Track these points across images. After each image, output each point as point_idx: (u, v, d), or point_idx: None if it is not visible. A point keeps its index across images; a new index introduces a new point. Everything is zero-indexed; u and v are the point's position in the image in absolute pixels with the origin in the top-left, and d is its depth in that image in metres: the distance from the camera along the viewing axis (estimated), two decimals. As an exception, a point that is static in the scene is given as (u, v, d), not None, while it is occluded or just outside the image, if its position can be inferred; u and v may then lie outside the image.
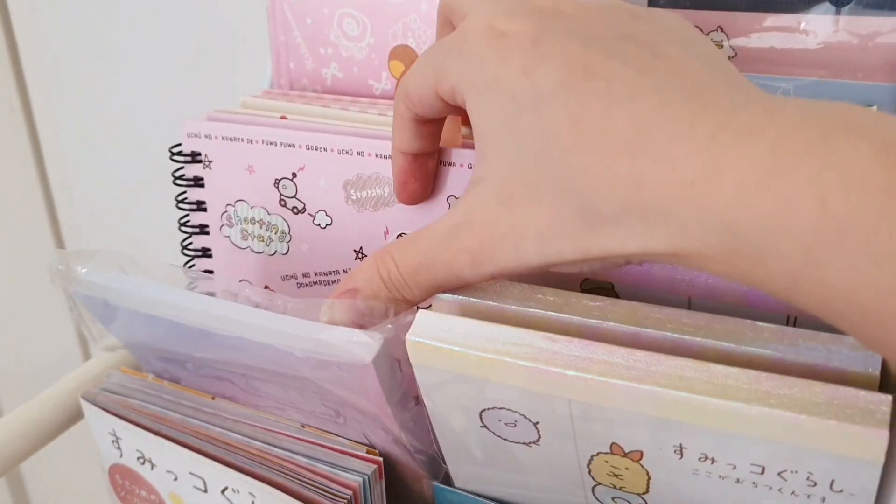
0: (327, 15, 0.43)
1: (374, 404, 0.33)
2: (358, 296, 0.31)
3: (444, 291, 0.31)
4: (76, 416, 0.43)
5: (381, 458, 0.37)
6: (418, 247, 0.30)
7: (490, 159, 0.28)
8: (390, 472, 0.38)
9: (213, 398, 0.41)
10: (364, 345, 0.30)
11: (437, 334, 0.29)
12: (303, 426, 0.39)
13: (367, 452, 0.37)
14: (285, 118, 0.40)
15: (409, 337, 0.29)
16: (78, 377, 0.43)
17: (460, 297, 0.31)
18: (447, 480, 0.38)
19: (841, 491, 0.27)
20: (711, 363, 0.27)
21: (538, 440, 0.31)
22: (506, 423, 0.31)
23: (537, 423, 0.30)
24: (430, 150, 0.34)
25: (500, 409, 0.30)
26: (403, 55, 0.41)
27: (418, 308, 0.30)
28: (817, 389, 0.26)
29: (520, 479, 0.35)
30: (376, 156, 0.37)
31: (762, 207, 0.22)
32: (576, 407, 0.28)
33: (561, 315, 0.30)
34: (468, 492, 0.37)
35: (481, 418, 0.31)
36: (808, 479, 0.27)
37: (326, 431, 0.38)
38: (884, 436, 0.24)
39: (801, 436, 0.26)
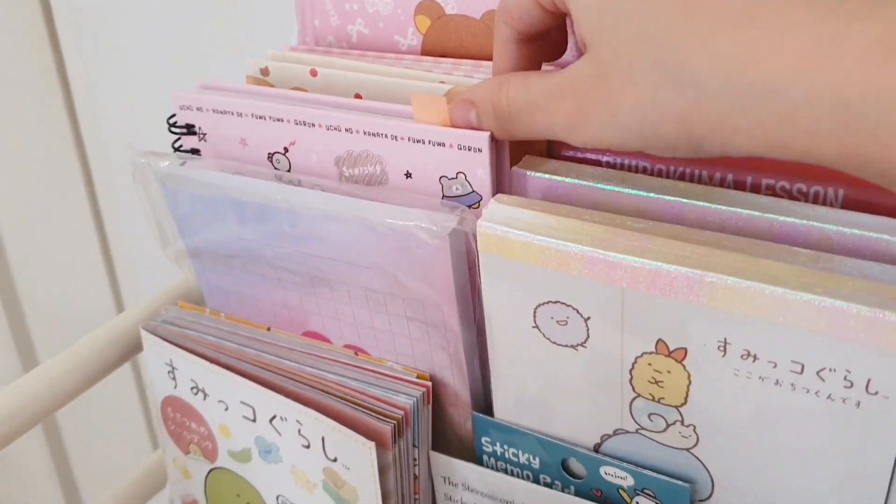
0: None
1: (439, 291, 0.35)
2: (473, 110, 0.33)
3: (539, 138, 0.32)
4: (135, 348, 0.44)
5: (430, 383, 0.39)
6: (530, 88, 0.30)
7: (592, 43, 0.28)
8: (437, 398, 0.40)
9: (268, 329, 0.42)
10: (444, 220, 0.33)
11: (505, 221, 0.31)
12: (356, 353, 0.40)
13: (418, 377, 0.39)
14: (315, 73, 0.41)
15: (479, 223, 0.31)
16: (136, 313, 0.45)
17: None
18: (488, 412, 0.39)
19: (876, 393, 0.28)
20: (762, 258, 0.28)
21: (586, 341, 0.33)
22: (557, 321, 0.33)
23: (588, 318, 0.32)
24: None
25: (555, 302, 0.32)
26: (430, 9, 0.42)
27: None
28: (863, 283, 0.27)
29: (559, 406, 0.36)
30: (365, 133, 0.36)
31: (883, 81, 0.21)
32: (629, 296, 0.30)
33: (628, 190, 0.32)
34: (506, 422, 0.38)
35: (535, 316, 0.33)
36: (845, 378, 0.29)
37: (379, 359, 0.40)
38: None
39: (842, 326, 0.27)
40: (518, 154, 0.37)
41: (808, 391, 0.30)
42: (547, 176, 0.35)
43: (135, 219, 0.78)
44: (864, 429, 0.29)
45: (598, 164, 0.37)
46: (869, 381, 0.28)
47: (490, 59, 0.38)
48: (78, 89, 0.84)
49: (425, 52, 0.43)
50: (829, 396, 0.29)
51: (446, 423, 0.41)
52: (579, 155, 0.38)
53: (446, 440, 0.41)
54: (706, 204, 0.32)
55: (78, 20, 0.78)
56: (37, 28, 0.82)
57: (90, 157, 0.88)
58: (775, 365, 0.30)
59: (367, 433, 0.36)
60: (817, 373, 0.29)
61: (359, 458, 0.37)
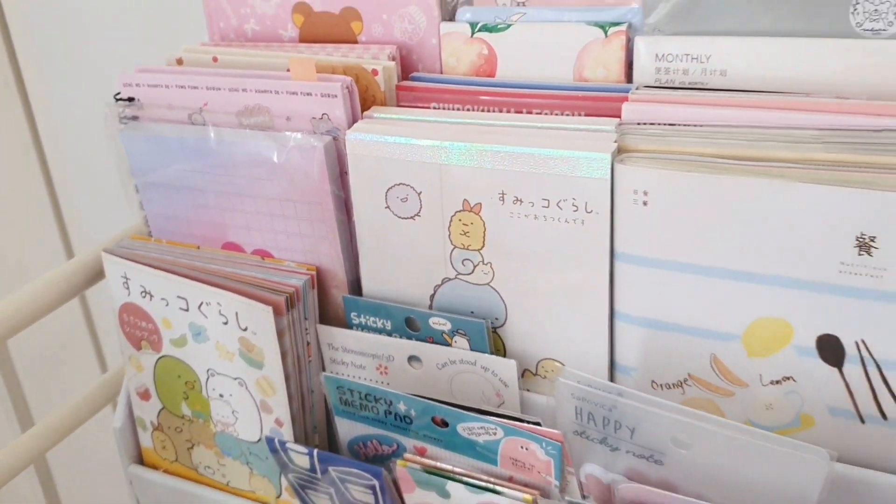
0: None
1: (320, 192, 0.51)
2: None
3: None
4: (99, 274, 0.59)
5: (315, 272, 0.54)
6: None
7: None
8: (323, 284, 0.55)
9: (198, 248, 0.57)
10: (321, 138, 0.49)
11: (364, 131, 0.48)
12: (263, 258, 0.56)
13: (307, 269, 0.54)
14: (216, 59, 0.57)
15: (349, 133, 0.48)
16: (98, 247, 0.59)
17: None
18: (360, 292, 0.55)
19: (591, 211, 0.45)
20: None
21: (420, 211, 0.49)
22: (401, 199, 0.49)
23: (420, 192, 0.48)
24: None
25: (399, 185, 0.48)
26: (302, 9, 0.58)
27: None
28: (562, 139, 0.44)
29: (404, 268, 0.52)
30: (256, 91, 0.52)
31: None
32: (443, 171, 0.46)
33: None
34: (365, 299, 0.54)
35: (386, 198, 0.49)
36: (573, 205, 0.45)
37: (280, 259, 0.55)
38: (607, 157, 0.42)
39: (559, 166, 0.44)
40: (367, 105, 0.53)
41: (555, 220, 0.46)
42: (386, 116, 0.51)
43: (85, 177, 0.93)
44: (588, 237, 0.45)
45: (426, 108, 0.53)
46: (586, 203, 0.45)
47: (345, 41, 0.54)
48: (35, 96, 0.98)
49: (302, 40, 0.59)
50: (566, 221, 0.46)
51: (331, 305, 0.56)
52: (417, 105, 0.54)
53: (330, 319, 0.57)
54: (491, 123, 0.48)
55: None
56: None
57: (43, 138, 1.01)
58: (533, 204, 0.46)
59: (267, 303, 0.52)
60: (557, 204, 0.45)
61: (262, 324, 0.52)
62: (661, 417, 0.41)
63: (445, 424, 0.48)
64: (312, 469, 0.52)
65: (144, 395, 0.61)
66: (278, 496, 0.59)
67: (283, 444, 0.52)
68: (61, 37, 0.93)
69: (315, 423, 0.58)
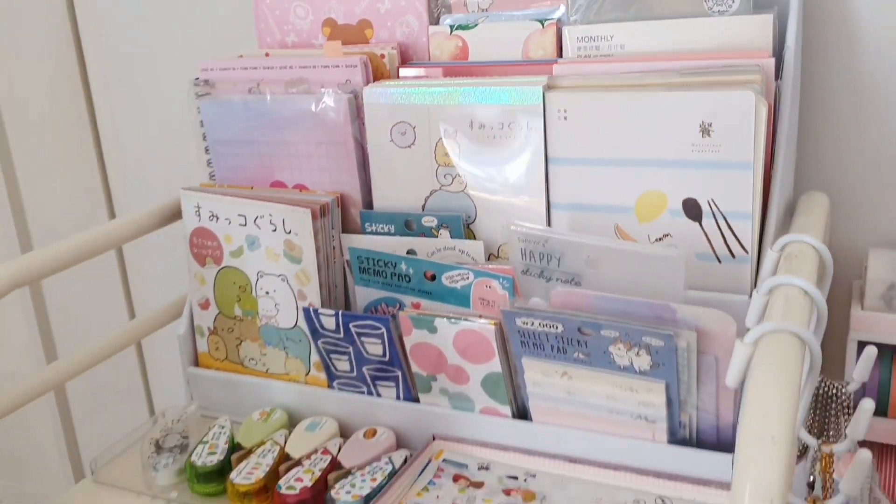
0: (286, 6, 0.84)
1: (344, 135, 0.72)
2: None
3: None
4: (172, 216, 0.80)
5: (339, 196, 0.75)
6: None
7: None
8: (346, 207, 0.76)
9: (251, 188, 0.78)
10: (345, 96, 0.70)
11: (377, 88, 0.69)
12: (301, 190, 0.77)
13: (333, 194, 0.75)
14: (268, 55, 0.80)
15: (365, 89, 0.69)
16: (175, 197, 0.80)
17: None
18: (370, 207, 0.76)
19: (531, 128, 0.67)
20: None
21: (414, 141, 0.70)
22: (400, 133, 0.70)
23: (415, 126, 0.69)
24: None
25: (400, 122, 0.70)
26: (329, 23, 0.82)
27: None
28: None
29: (402, 185, 0.73)
30: (300, 67, 0.76)
31: None
32: (431, 110, 0.68)
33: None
34: (376, 211, 0.75)
35: (391, 133, 0.70)
36: (519, 125, 0.67)
37: (314, 191, 0.76)
38: (539, 89, 0.64)
39: (510, 98, 0.65)
40: (378, 76, 0.76)
41: (506, 137, 0.67)
42: (391, 82, 0.73)
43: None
44: (530, 147, 0.67)
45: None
46: (528, 123, 0.66)
47: (361, 44, 0.78)
48: (105, 129, 1.21)
49: (331, 38, 0.82)
50: (514, 137, 0.67)
51: (350, 224, 0.77)
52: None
53: (350, 233, 0.77)
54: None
55: (106, 63, 1.16)
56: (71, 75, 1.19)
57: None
58: (492, 128, 0.67)
59: (306, 208, 0.72)
60: (508, 125, 0.67)
61: (302, 225, 0.73)
62: (577, 245, 0.62)
63: (434, 278, 0.68)
64: (337, 329, 0.71)
65: (204, 305, 0.81)
66: (307, 373, 0.78)
67: (316, 311, 0.71)
68: (131, 51, 1.16)
69: (337, 308, 0.77)
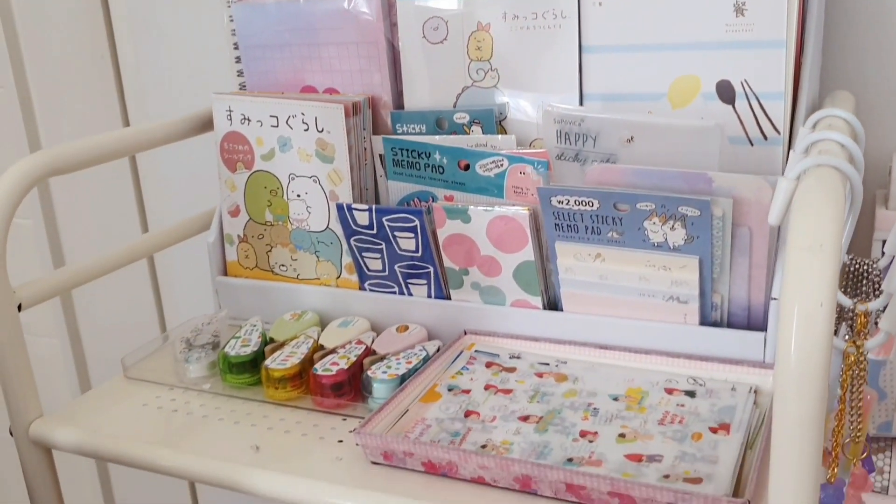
0: None
1: (376, 36, 0.72)
2: None
3: None
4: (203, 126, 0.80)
5: (370, 96, 0.76)
6: None
7: None
8: (374, 109, 0.77)
9: (282, 93, 0.79)
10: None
11: None
12: (331, 94, 0.77)
13: (365, 97, 0.76)
14: None
15: None
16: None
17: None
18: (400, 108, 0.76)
19: (565, 17, 0.67)
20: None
21: (447, 36, 0.71)
22: (432, 29, 0.71)
23: (447, 21, 0.70)
24: None
25: (431, 18, 0.70)
26: None
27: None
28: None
29: (433, 80, 0.74)
30: None
31: None
32: (465, 3, 0.69)
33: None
34: (406, 111, 0.75)
35: (423, 30, 0.71)
36: (552, 14, 0.67)
37: (345, 94, 0.77)
38: None
39: None
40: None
41: (540, 27, 0.68)
42: None
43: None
44: (564, 36, 0.67)
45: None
46: (562, 11, 0.67)
47: None
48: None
49: None
50: (548, 27, 0.68)
51: (380, 128, 0.78)
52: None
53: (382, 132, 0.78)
54: None
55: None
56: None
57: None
58: (525, 18, 0.68)
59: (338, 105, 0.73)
60: (542, 15, 0.68)
61: (335, 122, 0.73)
62: (613, 122, 0.62)
63: (468, 168, 0.69)
64: (370, 225, 0.72)
65: (234, 212, 0.82)
66: (339, 276, 0.78)
67: (349, 206, 0.72)
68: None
69: (367, 216, 0.78)
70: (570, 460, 0.55)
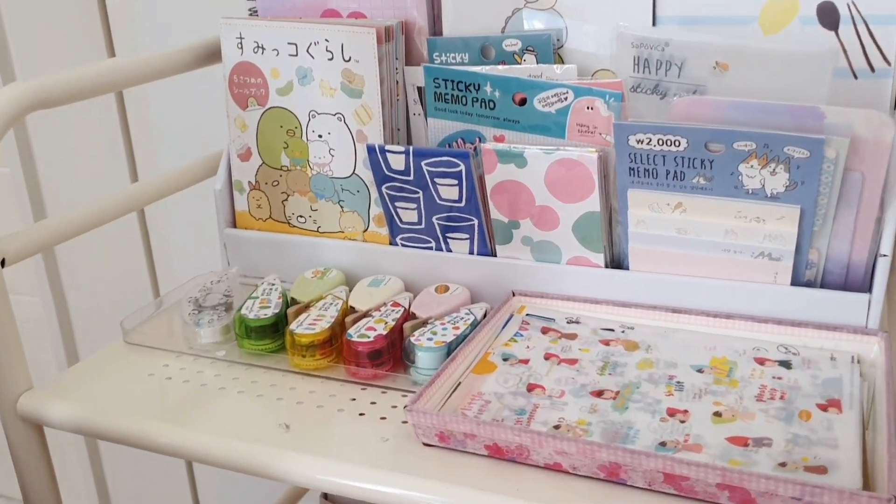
0: None
1: None
2: None
3: None
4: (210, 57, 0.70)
5: (403, 21, 0.66)
6: None
7: None
8: (409, 34, 0.67)
9: (300, 19, 0.69)
10: None
11: None
12: (356, 17, 0.67)
13: (396, 20, 0.66)
14: None
15: None
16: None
17: None
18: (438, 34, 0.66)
19: None
20: None
21: None
22: None
23: None
24: None
25: None
26: None
27: None
28: None
29: (479, 9, 0.64)
30: None
31: None
32: None
33: None
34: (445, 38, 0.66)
35: None
36: None
37: (372, 19, 0.67)
38: None
39: None
40: None
41: None
42: None
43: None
44: None
45: None
46: None
47: None
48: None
49: None
50: None
51: (414, 57, 0.68)
52: None
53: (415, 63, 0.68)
54: None
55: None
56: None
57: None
58: None
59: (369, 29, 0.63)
60: None
61: (365, 50, 0.63)
62: (704, 46, 0.53)
63: (524, 102, 0.59)
64: (406, 171, 0.62)
65: (245, 156, 0.72)
66: (366, 229, 0.69)
67: (382, 148, 0.63)
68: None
69: (398, 160, 0.68)
70: (662, 444, 0.47)
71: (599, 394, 0.52)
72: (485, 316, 0.61)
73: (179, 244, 1.12)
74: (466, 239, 0.65)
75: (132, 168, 1.13)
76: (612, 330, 0.59)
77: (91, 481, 1.33)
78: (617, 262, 0.63)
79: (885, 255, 0.53)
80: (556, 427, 0.49)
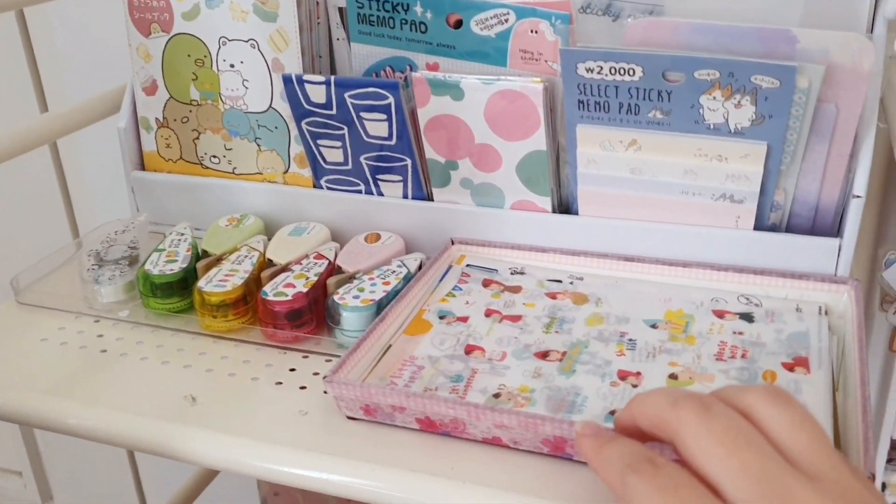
0: None
1: None
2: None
3: None
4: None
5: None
6: None
7: None
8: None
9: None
10: None
11: None
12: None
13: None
14: None
15: None
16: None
17: None
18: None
19: None
20: None
21: None
22: None
23: None
24: None
25: None
26: None
27: None
28: None
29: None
30: None
31: None
32: None
33: None
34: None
35: None
36: None
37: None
38: None
39: None
40: None
41: None
42: None
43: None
44: None
45: None
46: None
47: None
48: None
49: None
50: None
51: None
52: None
53: (337, -10, 0.60)
54: None
55: None
56: None
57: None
58: None
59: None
60: None
61: (278, -34, 0.55)
62: (662, -41, 0.47)
63: (459, 24, 0.52)
64: (328, 104, 0.55)
65: (150, 89, 0.64)
66: (286, 171, 0.62)
67: (299, 77, 0.55)
68: None
69: (322, 93, 0.61)
70: (612, 413, 0.42)
71: (544, 355, 0.46)
72: (420, 268, 0.55)
73: (97, 188, 1.04)
74: (399, 181, 0.58)
75: (41, 97, 1.03)
76: (560, 281, 0.54)
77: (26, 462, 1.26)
78: (565, 206, 0.57)
79: (858, 196, 0.48)
80: (496, 396, 0.43)
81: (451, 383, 0.44)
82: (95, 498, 1.27)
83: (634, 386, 0.44)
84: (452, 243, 0.57)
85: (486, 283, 0.54)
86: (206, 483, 0.91)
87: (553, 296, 0.52)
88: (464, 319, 0.50)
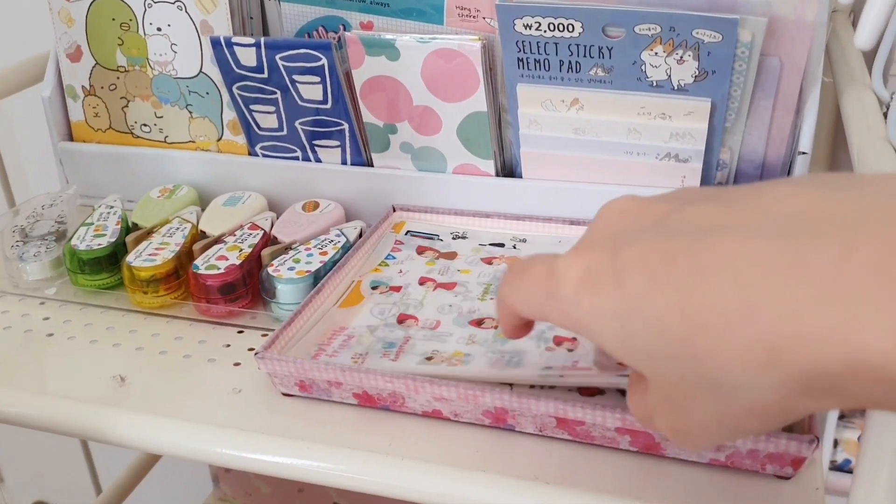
0: None
1: None
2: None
3: None
4: None
5: None
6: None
7: (645, 374, 0.27)
8: None
9: None
10: None
11: None
12: None
13: None
14: None
15: None
16: None
17: None
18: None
19: None
20: None
21: None
22: None
23: None
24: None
25: None
26: None
27: None
28: None
29: None
30: None
31: None
32: None
33: None
34: None
35: None
36: None
37: None
38: None
39: None
40: None
41: None
42: None
43: None
44: None
45: None
46: None
47: None
48: None
49: None
50: None
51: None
52: None
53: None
54: None
55: None
56: None
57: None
58: None
59: None
60: None
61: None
62: None
63: (393, -19, 0.50)
64: (259, 67, 0.53)
65: (75, 56, 0.60)
66: (220, 138, 0.59)
67: (228, 40, 0.53)
68: None
69: (255, 56, 0.58)
70: (549, 368, 0.40)
71: (479, 323, 0.45)
72: (360, 236, 0.53)
73: (29, 160, 0.99)
74: (337, 147, 0.56)
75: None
76: (502, 245, 0.52)
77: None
78: (509, 169, 0.55)
79: (804, 153, 0.47)
80: (429, 359, 0.42)
81: (384, 349, 0.43)
82: (47, 478, 1.24)
83: (570, 350, 0.42)
84: (394, 210, 0.55)
85: (420, 251, 0.52)
86: (157, 459, 0.89)
87: (489, 261, 0.50)
88: (397, 289, 0.48)
